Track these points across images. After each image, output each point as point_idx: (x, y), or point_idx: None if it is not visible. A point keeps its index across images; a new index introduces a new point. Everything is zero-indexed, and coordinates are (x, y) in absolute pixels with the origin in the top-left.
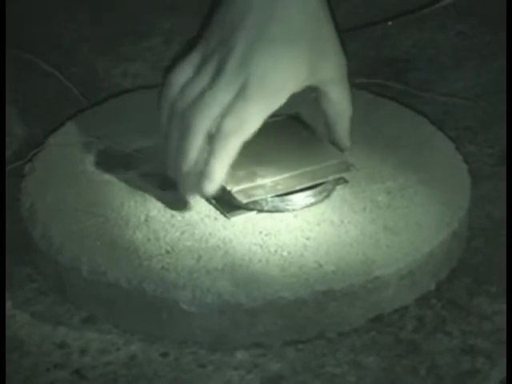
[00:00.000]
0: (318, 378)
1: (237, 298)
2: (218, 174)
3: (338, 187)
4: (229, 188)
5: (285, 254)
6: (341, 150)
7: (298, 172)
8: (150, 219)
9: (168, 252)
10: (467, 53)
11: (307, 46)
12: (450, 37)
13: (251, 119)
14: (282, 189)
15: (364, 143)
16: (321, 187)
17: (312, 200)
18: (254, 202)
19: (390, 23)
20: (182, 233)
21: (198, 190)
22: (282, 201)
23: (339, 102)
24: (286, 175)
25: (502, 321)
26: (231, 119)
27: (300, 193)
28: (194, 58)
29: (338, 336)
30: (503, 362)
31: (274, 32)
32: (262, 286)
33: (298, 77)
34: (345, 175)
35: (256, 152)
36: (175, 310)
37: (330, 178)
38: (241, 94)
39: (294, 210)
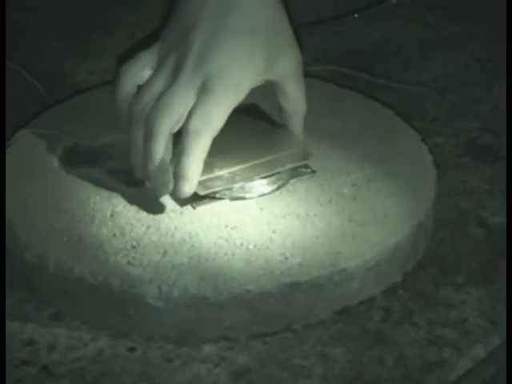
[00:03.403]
0: (286, 371)
1: (203, 292)
2: (194, 173)
3: (304, 179)
4: None
5: (251, 247)
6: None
7: (255, 162)
8: (115, 214)
9: (134, 247)
10: (434, 44)
11: (264, 39)
12: (417, 28)
13: (217, 115)
14: (239, 179)
15: (330, 135)
16: (277, 176)
17: (268, 188)
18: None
19: (356, 15)
20: (148, 227)
21: (177, 191)
22: (238, 189)
23: (295, 98)
24: (244, 166)
25: (468, 311)
26: (197, 118)
27: (255, 181)
28: (152, 54)
29: (305, 328)
30: (470, 352)
31: (231, 25)
32: (227, 280)
33: (256, 69)
34: (304, 164)
35: (213, 143)
36: (142, 305)
37: (288, 167)
38: (203, 90)
39: (250, 198)
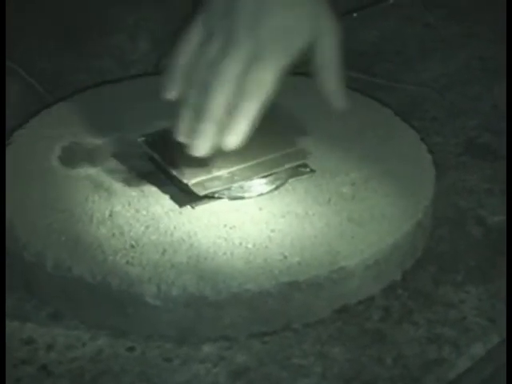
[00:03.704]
0: (285, 370)
1: (202, 291)
2: (243, 129)
3: (303, 178)
4: (185, 181)
5: (249, 246)
6: (336, 106)
7: (254, 162)
8: (114, 214)
9: (132, 246)
10: (434, 44)
11: (309, 3)
12: (416, 28)
13: (268, 78)
14: (238, 179)
15: (329, 135)
16: (275, 175)
17: (267, 188)
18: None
19: (355, 15)
20: (147, 227)
21: (223, 144)
22: (237, 189)
23: (329, 51)
24: (243, 166)
25: (467, 309)
26: (249, 81)
27: (254, 181)
28: (202, 25)
29: (304, 327)
30: (469, 350)
31: None
32: (226, 279)
33: (304, 32)
34: (303, 163)
35: None
36: (141, 304)
37: (287, 166)
38: (254, 55)
39: (249, 197)
